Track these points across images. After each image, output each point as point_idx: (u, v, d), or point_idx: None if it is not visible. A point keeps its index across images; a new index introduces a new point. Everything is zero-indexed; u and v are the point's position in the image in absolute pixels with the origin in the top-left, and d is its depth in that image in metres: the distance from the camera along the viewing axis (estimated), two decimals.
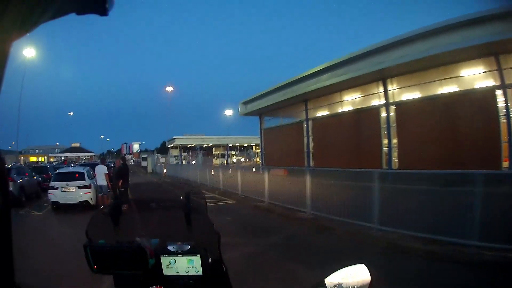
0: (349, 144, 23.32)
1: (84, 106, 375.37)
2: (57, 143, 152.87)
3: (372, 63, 20.32)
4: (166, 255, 1.93)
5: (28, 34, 0.89)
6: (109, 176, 15.18)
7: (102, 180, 14.97)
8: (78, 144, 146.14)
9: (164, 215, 2.37)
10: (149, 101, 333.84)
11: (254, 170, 19.86)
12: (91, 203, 14.81)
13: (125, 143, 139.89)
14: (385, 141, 21.66)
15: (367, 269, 1.45)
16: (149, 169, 57.01)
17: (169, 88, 61.02)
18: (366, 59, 20.86)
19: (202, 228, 2.10)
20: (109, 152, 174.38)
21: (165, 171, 43.34)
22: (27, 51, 33.66)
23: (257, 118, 38.18)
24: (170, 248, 1.94)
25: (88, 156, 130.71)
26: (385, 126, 21.61)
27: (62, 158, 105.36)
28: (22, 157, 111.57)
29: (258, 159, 76.46)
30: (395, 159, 21.18)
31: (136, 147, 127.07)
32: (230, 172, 20.35)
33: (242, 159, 74.91)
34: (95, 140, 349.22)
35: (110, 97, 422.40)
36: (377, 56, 20.07)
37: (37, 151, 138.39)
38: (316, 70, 25.04)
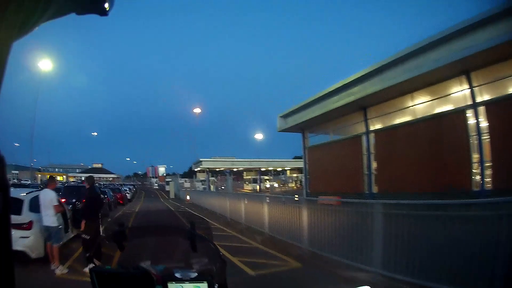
0: (426, 162, 18.00)
1: (111, 127, 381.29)
2: (82, 164, 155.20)
3: (455, 50, 15.44)
4: (174, 282, 2.07)
5: (28, 35, 0.90)
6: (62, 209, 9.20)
7: (48, 217, 8.56)
8: (100, 165, 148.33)
9: (169, 242, 2.70)
10: (178, 124, 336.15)
11: (296, 198, 14.01)
12: (32, 255, 8.42)
13: (151, 166, 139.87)
14: (476, 156, 16.46)
15: None
16: (172, 194, 53.17)
17: (197, 110, 58.62)
18: (448, 44, 15.95)
19: (208, 255, 2.37)
20: (135, 175, 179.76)
21: (188, 197, 39.40)
22: (46, 64, 33.52)
23: (295, 137, 33.79)
24: (178, 275, 2.11)
25: (110, 178, 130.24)
26: (475, 134, 16.41)
27: (83, 178, 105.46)
28: (39, 174, 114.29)
29: (293, 185, 73.05)
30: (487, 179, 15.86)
31: (161, 170, 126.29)
32: (267, 200, 14.31)
33: (276, 184, 70.23)
34: (122, 162, 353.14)
35: (138, 120, 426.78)
36: (462, 41, 15.24)
37: (57, 169, 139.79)
38: (379, 66, 20.00)
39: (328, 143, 28.63)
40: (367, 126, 23.27)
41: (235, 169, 71.49)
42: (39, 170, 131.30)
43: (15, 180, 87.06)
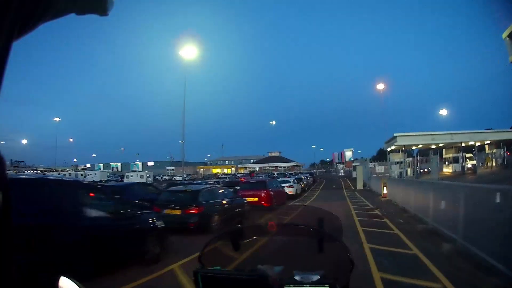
0: None
1: (296, 116, 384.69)
2: (268, 154, 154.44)
3: None
4: (292, 285, 1.87)
5: (28, 34, 0.94)
6: None
7: None
8: (277, 153, 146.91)
9: (293, 241, 2.57)
10: (364, 103, 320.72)
11: None
12: None
13: (337, 152, 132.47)
14: None
15: None
16: (359, 184, 41.70)
17: (381, 86, 54.57)
18: None
19: (335, 255, 2.21)
20: (322, 162, 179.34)
21: (385, 190, 26.21)
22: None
23: None
24: (297, 277, 1.90)
25: (289, 166, 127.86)
26: None
27: (257, 169, 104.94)
28: (202, 169, 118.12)
29: (492, 163, 55.61)
30: None
31: (348, 154, 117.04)
32: None
33: (475, 163, 51.93)
34: (308, 150, 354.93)
35: (323, 105, 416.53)
36: None
37: (227, 162, 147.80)
38: None
39: None
40: None
41: (433, 146, 57.10)
42: (205, 164, 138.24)
43: (165, 177, 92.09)
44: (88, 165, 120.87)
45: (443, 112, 61.35)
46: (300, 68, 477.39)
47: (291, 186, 31.52)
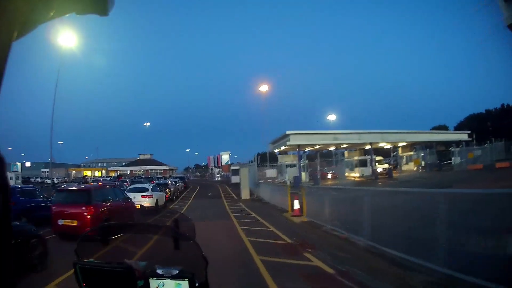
0: None
1: (170, 118, 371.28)
2: (138, 158, 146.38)
3: None
4: (155, 278, 2.19)
5: (28, 34, 0.96)
6: None
7: None
8: (149, 156, 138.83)
9: (153, 239, 2.96)
10: (243, 106, 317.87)
11: None
12: None
13: (212, 156, 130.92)
14: None
15: None
16: (244, 192, 32.00)
17: (264, 88, 56.03)
18: None
19: (190, 253, 2.37)
20: (197, 166, 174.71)
21: (297, 205, 16.67)
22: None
23: None
24: (159, 271, 2.21)
25: (161, 169, 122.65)
26: None
27: (128, 172, 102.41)
28: (74, 171, 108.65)
29: (410, 167, 54.25)
30: None
31: (225, 158, 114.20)
32: None
33: (387, 166, 49.77)
34: (183, 154, 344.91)
35: (199, 109, 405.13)
36: None
37: (99, 164, 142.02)
38: None
39: None
40: None
41: (332, 148, 51.98)
42: (78, 166, 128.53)
43: (38, 179, 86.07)
44: None
45: (332, 117, 57.42)
46: (174, 70, 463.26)
47: (149, 196, 21.83)
